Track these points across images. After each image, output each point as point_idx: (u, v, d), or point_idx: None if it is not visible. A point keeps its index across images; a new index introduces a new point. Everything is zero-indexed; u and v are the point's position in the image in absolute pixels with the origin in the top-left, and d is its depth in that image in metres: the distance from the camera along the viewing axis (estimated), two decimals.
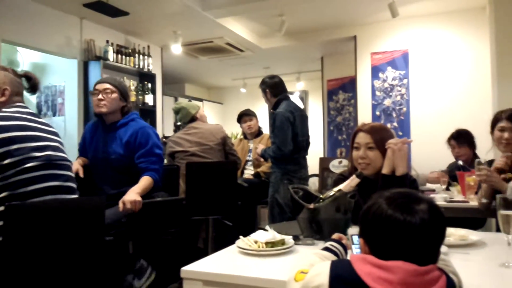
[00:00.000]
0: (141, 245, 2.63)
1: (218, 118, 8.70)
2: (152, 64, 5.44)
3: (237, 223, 3.45)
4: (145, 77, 5.37)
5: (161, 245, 2.88)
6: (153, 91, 5.41)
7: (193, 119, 3.39)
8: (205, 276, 1.28)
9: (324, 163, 5.65)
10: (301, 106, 8.33)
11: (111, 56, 4.80)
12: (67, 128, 4.69)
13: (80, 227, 1.69)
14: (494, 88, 3.54)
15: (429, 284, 0.83)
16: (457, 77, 4.91)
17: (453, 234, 1.57)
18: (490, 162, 2.39)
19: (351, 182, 1.61)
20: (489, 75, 4.13)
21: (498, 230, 1.32)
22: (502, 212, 1.22)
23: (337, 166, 4.91)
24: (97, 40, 4.77)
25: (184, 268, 1.30)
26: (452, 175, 3.04)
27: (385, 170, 1.71)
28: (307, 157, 3.56)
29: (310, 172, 6.71)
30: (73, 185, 2.00)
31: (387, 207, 0.88)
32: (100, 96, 2.43)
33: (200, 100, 8.34)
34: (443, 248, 1.34)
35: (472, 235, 1.55)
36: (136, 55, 5.21)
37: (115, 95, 2.46)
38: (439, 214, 0.89)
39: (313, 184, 6.79)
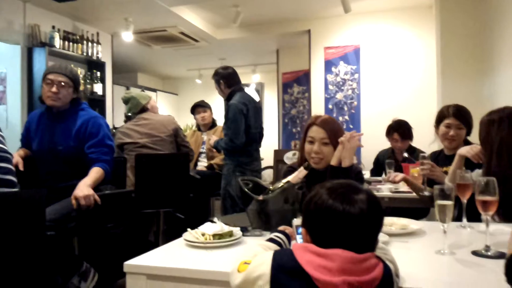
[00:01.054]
0: (87, 241, 2.53)
1: (172, 109, 8.54)
2: (102, 52, 5.23)
3: (190, 216, 3.41)
4: (94, 65, 5.15)
5: (110, 239, 2.79)
6: (103, 80, 5.21)
7: (144, 109, 3.29)
8: (149, 270, 1.24)
9: (278, 155, 5.70)
10: (257, 98, 8.39)
11: (57, 42, 4.56)
12: (9, 117, 4.42)
13: (18, 222, 1.60)
14: (439, 84, 3.70)
15: (366, 271, 0.86)
16: (406, 73, 5.10)
17: (395, 223, 1.63)
18: (433, 155, 2.50)
19: (299, 173, 1.63)
20: (435, 71, 4.33)
21: None
22: (439, 202, 1.28)
23: (291, 158, 4.96)
24: (42, 25, 4.51)
25: (127, 262, 1.26)
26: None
27: (333, 162, 1.74)
28: (262, 149, 3.57)
29: (265, 164, 6.78)
30: (13, 178, 1.89)
31: (328, 197, 0.90)
32: (54, 89, 2.29)
33: (154, 90, 8.15)
34: (384, 237, 1.40)
35: (413, 224, 1.62)
36: (85, 42, 4.99)
37: (70, 89, 2.35)
38: (377, 205, 0.91)
39: (268, 176, 6.86)
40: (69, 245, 2.35)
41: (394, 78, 5.16)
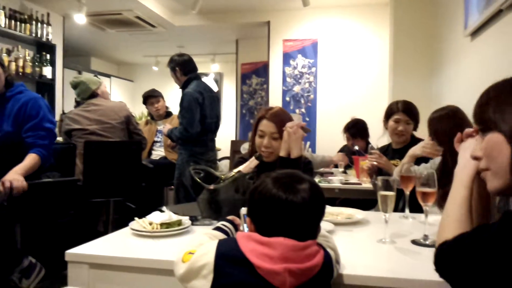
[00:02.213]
0: (31, 231, 2.41)
1: (127, 96, 8.30)
2: (52, 34, 4.97)
3: (142, 206, 3.33)
4: (43, 47, 4.89)
5: (56, 230, 2.68)
6: (53, 63, 4.96)
7: (93, 95, 3.16)
8: (91, 259, 1.21)
9: (235, 146, 5.71)
10: (215, 88, 8.32)
11: (3, 21, 4.28)
12: None
13: None
14: (391, 81, 3.83)
15: (307, 258, 0.87)
16: (362, 68, 5.24)
17: (342, 213, 1.68)
18: (381, 150, 2.60)
19: (250, 164, 1.63)
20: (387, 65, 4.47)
21: None
22: (381, 192, 1.33)
23: (248, 149, 4.97)
24: None
25: (68, 251, 1.22)
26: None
27: (282, 153, 1.76)
28: (219, 139, 3.54)
29: (223, 154, 6.77)
30: None
31: (272, 186, 0.91)
32: None
33: (108, 76, 7.87)
34: (330, 226, 1.44)
35: (359, 214, 1.67)
36: (34, 22, 4.72)
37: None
38: (319, 194, 0.93)
39: (225, 166, 6.84)
40: (7, 238, 2.23)
41: (350, 73, 5.28)
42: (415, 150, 1.99)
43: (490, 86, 0.88)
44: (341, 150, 3.65)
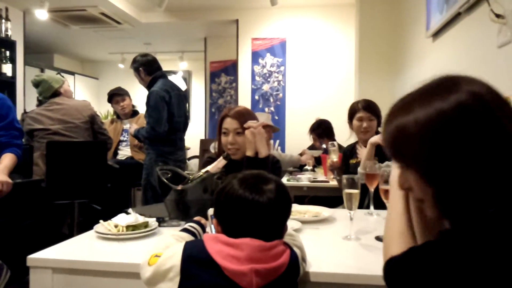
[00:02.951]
0: None
1: (92, 95, 8.08)
2: (12, 30, 4.76)
3: (108, 207, 3.26)
4: (2, 44, 4.68)
5: (20, 232, 2.58)
6: (13, 60, 4.76)
7: (56, 94, 3.05)
8: (55, 263, 1.18)
9: (204, 144, 5.67)
10: (184, 87, 8.25)
11: None
12: None
13: None
14: (356, 81, 3.91)
15: (273, 258, 0.88)
16: (329, 68, 5.32)
17: (309, 211, 1.70)
18: (348, 148, 2.67)
19: (218, 163, 1.63)
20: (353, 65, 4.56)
21: None
22: (346, 190, 1.36)
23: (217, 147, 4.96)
24: None
25: (30, 256, 1.18)
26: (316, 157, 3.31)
27: (249, 153, 1.77)
28: (188, 138, 3.50)
29: (192, 153, 6.72)
30: None
31: (238, 187, 0.91)
32: None
33: (72, 73, 7.63)
34: (297, 224, 1.46)
35: (325, 212, 1.70)
36: None
37: None
38: (285, 194, 0.94)
39: (195, 165, 6.79)
40: None
41: (318, 72, 5.35)
42: (372, 138, 2.12)
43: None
44: (309, 149, 3.70)
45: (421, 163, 0.68)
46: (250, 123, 1.78)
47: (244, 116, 1.86)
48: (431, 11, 2.52)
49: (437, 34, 2.47)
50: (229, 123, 1.83)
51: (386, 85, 3.56)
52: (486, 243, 0.63)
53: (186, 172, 1.85)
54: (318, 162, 3.44)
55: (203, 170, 1.64)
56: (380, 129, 2.54)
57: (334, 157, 2.61)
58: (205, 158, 1.98)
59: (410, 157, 0.70)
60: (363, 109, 2.47)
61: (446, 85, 0.71)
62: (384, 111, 2.45)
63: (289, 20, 5.39)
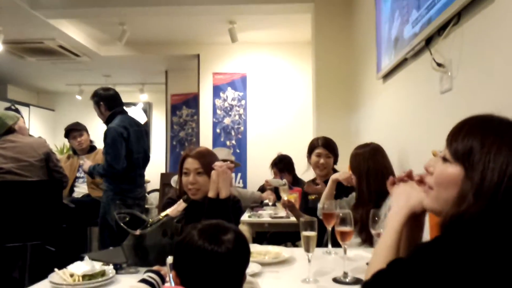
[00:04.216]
0: None
1: (47, 127, 7.82)
2: None
3: (63, 248, 3.13)
4: None
5: None
6: None
7: (10, 130, 2.95)
8: None
9: (165, 178, 5.58)
10: (144, 119, 8.17)
11: None
12: None
13: None
14: (314, 117, 4.04)
15: None
16: (288, 102, 5.48)
17: (269, 252, 1.72)
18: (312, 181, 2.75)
19: (178, 206, 1.63)
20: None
21: None
22: (304, 233, 1.40)
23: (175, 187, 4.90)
24: None
25: None
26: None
27: (210, 194, 1.78)
28: (149, 171, 3.45)
29: (152, 187, 6.58)
30: None
31: (198, 238, 0.93)
32: None
33: (27, 105, 7.39)
34: (257, 268, 1.47)
35: (285, 252, 1.73)
36: None
37: None
38: (243, 244, 0.96)
39: (155, 199, 6.66)
40: None
41: (278, 107, 5.49)
42: (334, 175, 2.22)
43: (478, 118, 0.87)
44: (262, 185, 3.75)
45: (483, 177, 0.78)
46: (216, 163, 1.81)
47: (205, 156, 1.89)
48: (381, 55, 2.69)
49: (386, 76, 2.63)
50: (190, 163, 1.85)
51: (343, 122, 3.71)
52: (475, 250, 0.70)
53: (146, 209, 1.83)
54: (279, 197, 3.48)
55: (163, 214, 1.63)
56: (335, 166, 2.66)
57: (285, 196, 2.68)
58: (165, 199, 1.97)
59: (476, 168, 0.79)
60: (322, 146, 2.61)
61: None
62: (341, 146, 2.59)
63: (249, 56, 5.54)
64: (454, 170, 0.82)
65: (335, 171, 2.61)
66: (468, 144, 0.81)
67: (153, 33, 5.20)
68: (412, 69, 2.19)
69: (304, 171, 2.88)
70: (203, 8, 4.12)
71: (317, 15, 3.94)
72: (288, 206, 2.60)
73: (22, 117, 3.27)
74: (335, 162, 2.71)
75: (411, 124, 2.22)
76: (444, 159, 0.86)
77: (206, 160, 1.84)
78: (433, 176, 0.88)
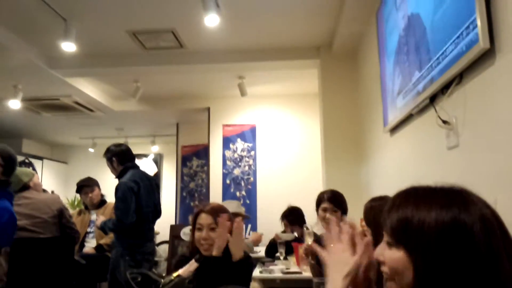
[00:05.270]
0: None
1: (60, 179, 7.93)
2: None
3: None
4: None
5: None
6: None
7: (25, 187, 3.01)
8: None
9: (175, 230, 5.53)
10: (155, 169, 8.25)
11: None
12: None
13: None
14: (323, 167, 4.07)
15: None
16: (298, 153, 5.53)
17: None
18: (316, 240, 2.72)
19: (190, 267, 1.63)
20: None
21: None
22: (315, 280, 1.38)
23: (188, 233, 4.83)
24: None
25: None
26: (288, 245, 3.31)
27: (216, 252, 1.71)
28: (158, 222, 3.45)
29: (161, 238, 6.52)
30: None
31: None
32: None
33: (40, 158, 7.54)
34: None
35: None
36: None
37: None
38: None
39: (163, 251, 6.58)
40: None
41: (287, 157, 5.53)
42: None
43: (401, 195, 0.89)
44: (272, 239, 3.70)
45: (424, 251, 0.77)
46: (223, 216, 1.79)
47: (218, 212, 1.89)
48: (387, 108, 2.76)
49: (394, 130, 2.67)
50: (204, 219, 1.86)
51: (352, 173, 3.72)
52: None
53: (155, 261, 1.82)
54: (289, 250, 3.43)
55: (175, 274, 1.63)
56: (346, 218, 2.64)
57: (309, 240, 2.64)
58: (178, 257, 1.97)
59: (415, 244, 0.78)
60: (328, 200, 2.62)
61: (463, 196, 0.81)
62: (351, 198, 2.57)
63: (258, 108, 5.68)
64: (399, 254, 0.81)
65: None
66: (401, 216, 0.82)
67: (165, 89, 5.40)
68: (419, 125, 2.23)
69: (314, 223, 2.86)
70: (214, 66, 4.31)
71: (323, 70, 4.09)
72: (311, 253, 2.50)
73: (36, 172, 3.34)
74: (344, 214, 2.69)
75: (420, 178, 2.22)
76: (388, 244, 0.85)
77: (220, 215, 1.85)
78: (386, 266, 0.85)
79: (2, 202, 2.17)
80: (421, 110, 2.11)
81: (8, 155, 2.21)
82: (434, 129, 1.91)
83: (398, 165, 2.65)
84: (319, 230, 2.71)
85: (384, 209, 0.88)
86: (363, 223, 2.12)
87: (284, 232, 3.74)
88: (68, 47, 3.48)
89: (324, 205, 2.60)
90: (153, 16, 3.46)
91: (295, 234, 3.34)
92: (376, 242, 1.94)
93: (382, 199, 2.04)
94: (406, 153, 2.50)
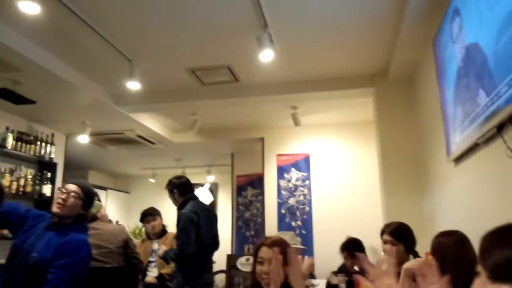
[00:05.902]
0: None
1: (122, 208, 8.31)
2: (55, 153, 5.18)
3: None
4: (44, 166, 5.04)
5: None
6: (52, 181, 5.07)
7: (94, 218, 3.20)
8: None
9: (231, 260, 5.56)
10: (211, 198, 8.42)
11: (10, 143, 4.48)
12: None
13: None
14: (382, 196, 3.94)
15: None
16: (353, 181, 5.41)
17: None
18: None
19: None
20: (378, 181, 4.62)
21: None
22: None
23: (245, 263, 4.88)
24: None
25: None
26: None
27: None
28: (215, 252, 3.51)
29: (218, 267, 6.56)
30: None
31: None
32: (63, 196, 2.22)
33: (104, 188, 7.97)
34: None
35: None
36: (38, 142, 4.94)
37: (79, 201, 2.25)
38: None
39: (220, 281, 6.60)
40: None
41: (343, 186, 5.43)
42: (408, 264, 2.04)
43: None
44: (340, 270, 3.60)
45: None
46: (275, 250, 1.75)
47: (279, 245, 1.88)
48: (450, 136, 2.65)
49: (458, 159, 2.56)
50: (265, 252, 1.84)
51: (413, 203, 3.58)
52: None
53: None
54: (350, 286, 3.32)
55: None
56: (411, 258, 2.51)
57: (374, 258, 2.53)
58: None
59: None
60: (388, 233, 2.52)
61: None
62: (413, 229, 2.42)
63: (312, 137, 5.67)
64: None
65: (417, 256, 2.48)
66: (507, 254, 0.78)
67: (220, 121, 5.57)
68: (486, 155, 2.13)
69: (378, 253, 2.76)
70: (267, 98, 4.40)
71: (378, 98, 4.03)
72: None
73: (102, 203, 3.54)
74: (408, 248, 2.56)
75: (492, 212, 2.10)
76: (491, 279, 0.80)
77: (282, 249, 1.84)
78: None
79: (83, 236, 2.28)
80: (488, 139, 2.01)
81: (88, 190, 2.34)
82: (503, 159, 1.81)
83: (466, 196, 2.51)
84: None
85: (482, 246, 0.85)
86: (430, 256, 2.01)
87: (343, 265, 3.64)
88: (133, 85, 3.72)
89: (385, 237, 2.51)
90: (210, 54, 3.63)
91: (356, 267, 3.23)
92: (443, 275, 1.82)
93: (451, 234, 1.94)
94: (474, 184, 2.37)
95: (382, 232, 2.57)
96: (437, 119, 2.93)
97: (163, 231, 4.10)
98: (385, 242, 2.51)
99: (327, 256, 4.58)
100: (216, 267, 6.53)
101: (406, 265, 2.10)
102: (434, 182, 3.24)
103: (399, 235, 2.52)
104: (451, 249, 1.84)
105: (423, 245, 2.12)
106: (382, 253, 2.57)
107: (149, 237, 4.09)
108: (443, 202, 3.02)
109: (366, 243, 3.50)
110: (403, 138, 3.83)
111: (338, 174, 5.50)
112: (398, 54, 3.46)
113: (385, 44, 3.48)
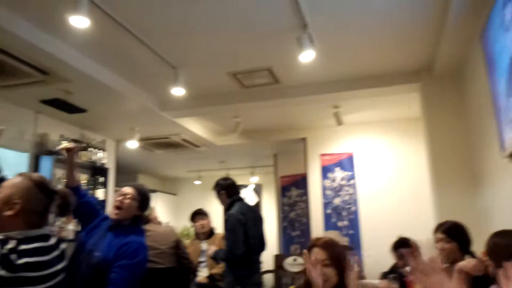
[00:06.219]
0: None
1: (170, 210, 8.56)
2: (106, 158, 5.43)
3: None
4: (97, 171, 5.31)
5: None
6: (105, 185, 5.33)
7: (146, 221, 3.34)
8: None
9: (279, 260, 5.59)
10: (255, 199, 8.49)
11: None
12: None
13: None
14: (433, 193, 3.82)
15: None
16: (400, 179, 5.27)
17: None
18: None
19: None
20: (428, 178, 4.48)
21: None
22: None
23: (292, 264, 4.89)
24: (51, 134, 4.76)
25: None
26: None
27: None
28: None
29: (264, 268, 6.60)
30: None
31: None
32: (119, 198, 2.30)
33: (153, 191, 8.25)
34: None
35: None
36: (91, 149, 5.21)
37: (134, 202, 2.33)
38: None
39: (268, 280, 6.64)
40: None
41: (389, 184, 5.31)
42: (461, 264, 2.02)
43: None
44: (390, 271, 3.51)
45: None
46: (305, 253, 1.76)
47: (331, 246, 1.86)
48: (503, 131, 2.53)
49: None
50: (317, 253, 1.82)
51: (465, 200, 3.44)
52: None
53: None
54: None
55: None
56: (467, 257, 2.42)
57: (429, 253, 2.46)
58: None
59: None
60: (441, 231, 2.45)
61: None
62: (470, 226, 2.31)
63: (355, 136, 5.58)
64: None
65: (473, 255, 2.39)
66: None
67: (262, 122, 5.61)
68: None
69: (431, 248, 2.68)
70: (309, 98, 4.39)
71: (425, 93, 3.91)
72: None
73: (153, 206, 3.68)
74: (463, 246, 2.47)
75: None
76: None
77: (334, 251, 1.82)
78: None
79: (141, 238, 2.35)
80: None
81: (144, 192, 2.41)
82: None
83: None
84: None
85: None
86: (485, 256, 1.94)
87: (395, 266, 3.55)
88: (178, 91, 3.83)
89: (437, 235, 2.44)
90: (250, 57, 3.68)
91: (407, 268, 3.15)
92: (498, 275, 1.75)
93: (507, 235, 1.85)
94: None
95: (436, 230, 2.50)
96: (489, 112, 2.81)
97: (211, 232, 4.20)
98: (437, 240, 2.44)
99: (377, 255, 4.49)
100: (263, 267, 6.59)
101: (460, 264, 2.04)
102: (487, 179, 3.11)
103: (452, 233, 2.44)
104: (508, 249, 1.77)
105: (477, 242, 2.05)
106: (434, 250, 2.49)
107: (198, 237, 4.20)
108: (498, 199, 2.88)
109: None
110: (452, 134, 3.70)
111: (383, 172, 5.38)
112: (444, 48, 3.34)
113: (429, 39, 3.38)
